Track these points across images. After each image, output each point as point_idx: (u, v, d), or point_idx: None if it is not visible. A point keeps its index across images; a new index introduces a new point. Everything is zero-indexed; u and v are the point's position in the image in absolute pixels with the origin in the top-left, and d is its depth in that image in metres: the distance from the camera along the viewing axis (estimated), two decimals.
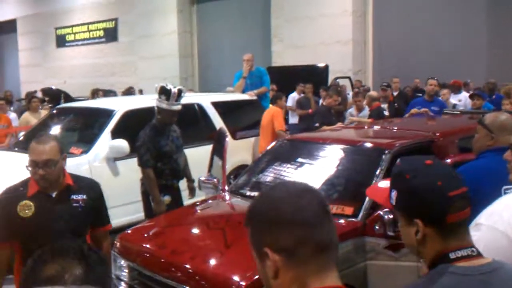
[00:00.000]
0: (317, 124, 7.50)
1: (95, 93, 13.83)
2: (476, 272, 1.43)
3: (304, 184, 1.33)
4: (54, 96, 13.95)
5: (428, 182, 1.47)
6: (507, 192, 2.42)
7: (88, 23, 22.78)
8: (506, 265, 1.51)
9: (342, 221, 3.72)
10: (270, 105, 8.11)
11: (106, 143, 5.92)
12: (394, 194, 1.56)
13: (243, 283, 3.06)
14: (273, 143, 5.17)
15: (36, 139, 2.88)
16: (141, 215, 5.31)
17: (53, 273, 1.11)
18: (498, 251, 1.79)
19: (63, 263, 1.13)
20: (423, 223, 1.49)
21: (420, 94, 9.56)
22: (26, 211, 2.85)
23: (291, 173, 4.51)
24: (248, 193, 4.47)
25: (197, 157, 5.97)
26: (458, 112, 6.42)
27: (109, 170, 5.90)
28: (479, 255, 1.48)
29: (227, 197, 4.56)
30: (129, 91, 14.43)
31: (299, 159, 4.65)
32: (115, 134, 6.05)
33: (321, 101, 9.67)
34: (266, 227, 1.24)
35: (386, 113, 8.42)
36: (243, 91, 8.92)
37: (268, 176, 4.64)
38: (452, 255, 1.46)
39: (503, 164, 2.36)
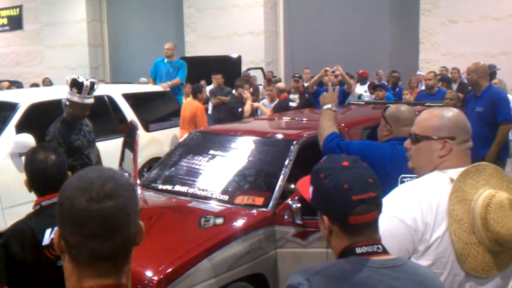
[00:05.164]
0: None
1: None
2: (380, 265, 1.51)
3: (111, 189, 1.16)
4: None
5: (335, 184, 1.54)
6: (404, 180, 2.55)
7: None
8: (409, 262, 1.63)
9: (254, 211, 3.82)
10: (190, 98, 8.11)
11: (10, 138, 5.67)
12: (311, 189, 1.64)
13: (155, 278, 3.08)
14: (185, 136, 5.18)
15: None
16: None
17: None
18: (395, 238, 1.90)
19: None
20: (329, 220, 1.57)
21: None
22: None
23: (203, 165, 4.55)
24: (160, 187, 4.46)
25: (108, 150, 5.85)
26: (363, 103, 6.72)
27: (14, 166, 5.63)
28: (384, 252, 1.56)
29: (139, 191, 4.52)
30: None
31: (211, 151, 4.69)
32: (20, 128, 5.80)
33: (234, 91, 9.71)
34: (59, 216, 1.19)
35: (294, 104, 8.61)
36: (157, 83, 8.98)
37: (181, 169, 4.65)
38: (358, 250, 1.53)
39: (403, 154, 2.45)
